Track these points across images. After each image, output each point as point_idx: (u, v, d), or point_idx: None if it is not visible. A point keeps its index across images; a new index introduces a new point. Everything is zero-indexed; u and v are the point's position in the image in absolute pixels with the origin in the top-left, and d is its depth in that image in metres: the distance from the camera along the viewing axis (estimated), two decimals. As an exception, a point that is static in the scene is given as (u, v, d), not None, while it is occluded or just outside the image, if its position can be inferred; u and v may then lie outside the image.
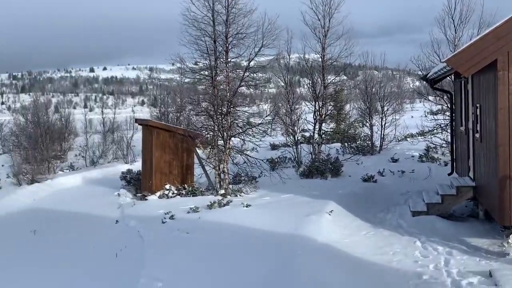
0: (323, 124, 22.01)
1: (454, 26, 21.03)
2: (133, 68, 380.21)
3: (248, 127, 17.82)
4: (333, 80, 22.13)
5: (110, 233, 13.65)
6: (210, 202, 14.41)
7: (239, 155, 18.23)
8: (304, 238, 10.39)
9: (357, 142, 26.52)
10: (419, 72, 23.56)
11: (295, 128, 23.76)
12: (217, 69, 17.28)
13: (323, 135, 22.12)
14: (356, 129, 28.27)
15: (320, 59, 21.49)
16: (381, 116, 26.86)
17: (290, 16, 22.93)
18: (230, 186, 17.17)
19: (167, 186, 17.19)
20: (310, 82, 22.08)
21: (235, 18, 16.98)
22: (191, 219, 13.24)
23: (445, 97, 20.56)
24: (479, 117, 10.88)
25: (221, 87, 17.47)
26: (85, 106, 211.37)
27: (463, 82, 12.96)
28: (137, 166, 24.08)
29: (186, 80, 20.29)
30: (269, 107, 26.78)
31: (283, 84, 24.99)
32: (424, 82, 16.66)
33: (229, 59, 17.38)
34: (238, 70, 18.16)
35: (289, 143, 25.25)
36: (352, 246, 10.16)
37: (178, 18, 16.88)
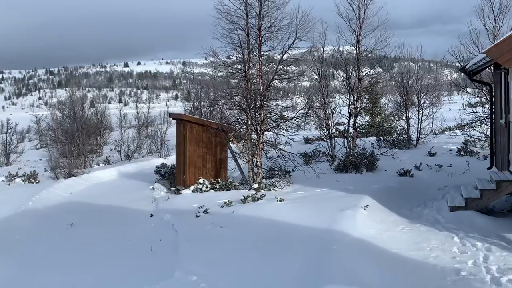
0: (358, 118, 21.81)
1: (494, 16, 20.50)
2: (167, 63, 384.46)
3: (282, 121, 17.80)
4: (368, 73, 21.84)
5: (145, 226, 13.88)
6: (244, 196, 14.47)
7: (273, 149, 18.24)
8: (339, 233, 10.33)
9: (393, 136, 26.21)
10: (457, 64, 23.09)
11: (329, 121, 23.63)
12: (250, 63, 17.28)
13: (358, 129, 21.92)
14: (392, 123, 27.94)
15: (354, 51, 21.26)
16: (417, 109, 26.42)
17: (324, 8, 22.75)
18: (264, 180, 17.21)
19: (201, 180, 17.33)
20: (345, 74, 21.85)
21: (268, 11, 16.96)
22: (225, 213, 13.34)
23: (484, 89, 20.11)
24: (521, 109, 10.59)
25: (254, 80, 17.49)
26: (120, 101, 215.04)
27: (503, 73, 12.62)
28: (171, 160, 24.42)
29: (219, 74, 20.35)
30: (302, 100, 26.65)
31: (317, 77, 24.85)
32: (462, 73, 16.30)
33: (262, 52, 17.36)
34: (271, 64, 18.12)
35: (323, 137, 25.13)
36: (388, 242, 10.06)
37: (211, 11, 16.94)
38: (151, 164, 25.30)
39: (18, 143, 36.00)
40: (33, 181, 21.97)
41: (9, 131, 35.02)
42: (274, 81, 17.95)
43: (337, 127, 28.58)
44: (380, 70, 30.37)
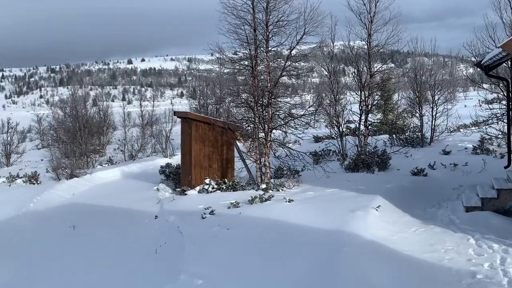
0: (370, 115, 21.71)
1: (511, 8, 20.35)
2: (172, 59, 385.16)
3: (290, 118, 17.78)
4: (380, 68, 21.75)
5: (149, 228, 13.95)
6: (251, 197, 14.48)
7: (281, 148, 18.24)
8: (349, 235, 10.32)
9: (406, 134, 26.11)
10: (473, 59, 22.90)
11: (340, 119, 23.60)
12: (257, 59, 17.27)
13: (369, 127, 21.84)
14: (405, 120, 27.83)
15: (366, 46, 21.19)
16: (431, 105, 26.31)
17: (334, 2, 22.71)
18: (272, 180, 17.21)
19: (207, 181, 17.37)
20: (356, 70, 21.78)
21: (275, 5, 16.92)
22: (232, 214, 13.36)
23: (501, 84, 19.96)
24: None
25: (262, 77, 17.49)
26: (123, 99, 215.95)
27: (521, 68, 12.56)
28: (176, 160, 24.51)
29: (226, 70, 20.38)
30: (312, 97, 26.60)
31: (326, 73, 24.81)
32: (478, 69, 16.20)
33: (269, 48, 17.35)
34: (279, 60, 18.11)
35: (333, 135, 25.13)
36: (400, 243, 10.02)
37: (217, 6, 17.00)
38: (155, 164, 25.42)
39: (19, 143, 36.28)
40: (34, 182, 22.12)
41: (10, 130, 35.29)
42: (282, 78, 17.92)
43: (348, 125, 28.53)
44: (393, 65, 30.23)
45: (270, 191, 16.00)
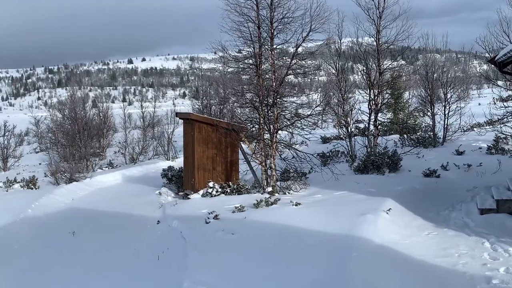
0: (379, 114, 21.71)
1: (526, 2, 20.27)
2: (173, 58, 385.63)
3: (297, 119, 17.77)
4: (390, 66, 21.73)
5: (151, 234, 13.96)
6: (257, 201, 14.49)
7: (287, 150, 18.23)
8: (359, 239, 10.31)
9: (418, 134, 26.05)
10: (486, 55, 22.84)
11: (348, 119, 23.55)
12: (262, 57, 17.28)
13: (379, 126, 21.83)
14: (416, 119, 27.77)
15: (374, 43, 21.18)
16: (444, 104, 26.21)
17: (341, -3, 22.66)
18: (278, 183, 17.21)
19: (211, 184, 17.39)
20: (364, 68, 21.77)
21: (280, 1, 16.91)
22: (237, 219, 13.37)
23: (516, 81, 19.88)
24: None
25: (267, 76, 17.50)
26: (124, 100, 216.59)
27: (536, 64, 12.51)
28: (178, 162, 24.54)
29: (229, 69, 20.40)
30: (319, 96, 26.59)
31: (334, 71, 24.76)
32: (492, 65, 16.15)
33: (274, 46, 17.34)
34: (284, 58, 18.11)
35: (341, 136, 25.10)
36: (412, 248, 10.01)
37: (219, 3, 16.99)
38: (157, 167, 25.47)
39: (16, 146, 36.39)
40: (32, 187, 22.21)
41: (7, 134, 35.36)
42: (288, 76, 17.93)
43: (357, 124, 28.51)
44: (403, 62, 30.24)
45: (276, 194, 16.00)
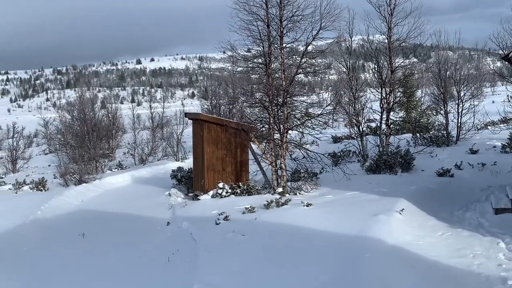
0: (391, 113, 21.61)
1: (540, -2, 20.11)
2: (182, 58, 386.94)
3: (307, 118, 17.74)
4: (402, 63, 21.66)
5: (161, 235, 14.00)
6: (267, 202, 14.47)
7: (298, 150, 18.21)
8: (372, 240, 10.27)
9: (431, 132, 25.91)
10: (500, 52, 22.69)
11: (360, 118, 23.48)
12: (272, 56, 17.26)
13: (391, 125, 21.73)
14: (429, 118, 27.64)
15: (386, 41, 21.10)
16: (457, 102, 26.07)
17: (351, -6, 22.60)
18: (289, 183, 17.19)
19: (220, 185, 17.40)
20: (376, 66, 21.70)
21: (289, -1, 16.91)
22: (247, 220, 13.36)
23: (531, 78, 19.73)
24: None
25: (276, 75, 17.48)
26: (133, 101, 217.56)
27: (552, 60, 12.41)
28: (188, 163, 24.60)
29: (238, 69, 20.42)
30: (330, 95, 26.57)
31: (345, 69, 24.71)
32: (506, 62, 16.04)
33: (284, 45, 17.31)
34: (294, 56, 18.08)
35: (353, 135, 25.03)
36: (426, 249, 9.95)
37: (227, 1, 16.98)
38: (166, 168, 25.53)
39: (25, 148, 36.70)
40: (41, 188, 22.32)
41: (16, 135, 35.68)
42: (298, 75, 17.88)
43: (369, 123, 28.40)
44: (415, 60, 30.13)
45: (287, 195, 15.98)
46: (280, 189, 16.37)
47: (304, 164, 17.51)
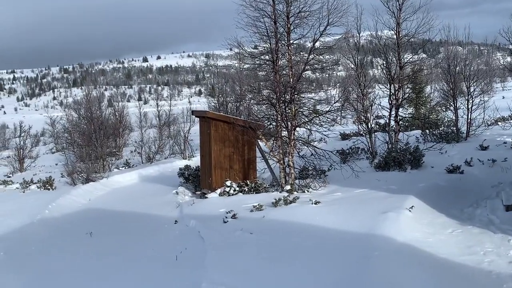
0: (400, 109, 21.55)
1: (551, -9, 19.98)
2: (189, 56, 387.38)
3: (315, 115, 17.72)
4: (410, 59, 21.56)
5: (169, 234, 14.02)
6: (275, 199, 14.46)
7: (306, 147, 18.18)
8: (381, 238, 10.24)
9: (440, 129, 25.83)
10: (510, 46, 22.57)
11: (368, 114, 23.41)
12: (279, 53, 17.24)
13: (400, 122, 21.66)
14: (439, 114, 27.56)
15: (394, 36, 21.04)
16: (467, 98, 25.97)
17: (359, -11, 22.52)
18: (297, 181, 17.17)
19: (228, 183, 17.41)
20: (384, 62, 21.64)
21: (296, -5, 16.87)
22: (255, 218, 13.37)
23: (542, 73, 19.62)
24: None
25: (284, 72, 17.45)
26: (139, 99, 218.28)
27: None
28: (195, 161, 24.63)
29: (245, 66, 20.38)
30: (338, 92, 26.45)
31: (353, 65, 24.62)
32: (516, 57, 15.96)
33: (291, 41, 17.28)
34: (302, 53, 18.03)
35: (361, 132, 24.94)
36: (436, 246, 9.91)
37: (234, -2, 16.97)
38: (174, 166, 25.59)
39: (32, 147, 36.85)
40: (49, 187, 22.43)
41: (23, 134, 35.83)
42: (306, 72, 17.84)
43: (377, 120, 28.33)
44: (424, 55, 29.93)
45: (295, 192, 15.97)
46: (288, 187, 16.36)
47: (312, 162, 17.49)
